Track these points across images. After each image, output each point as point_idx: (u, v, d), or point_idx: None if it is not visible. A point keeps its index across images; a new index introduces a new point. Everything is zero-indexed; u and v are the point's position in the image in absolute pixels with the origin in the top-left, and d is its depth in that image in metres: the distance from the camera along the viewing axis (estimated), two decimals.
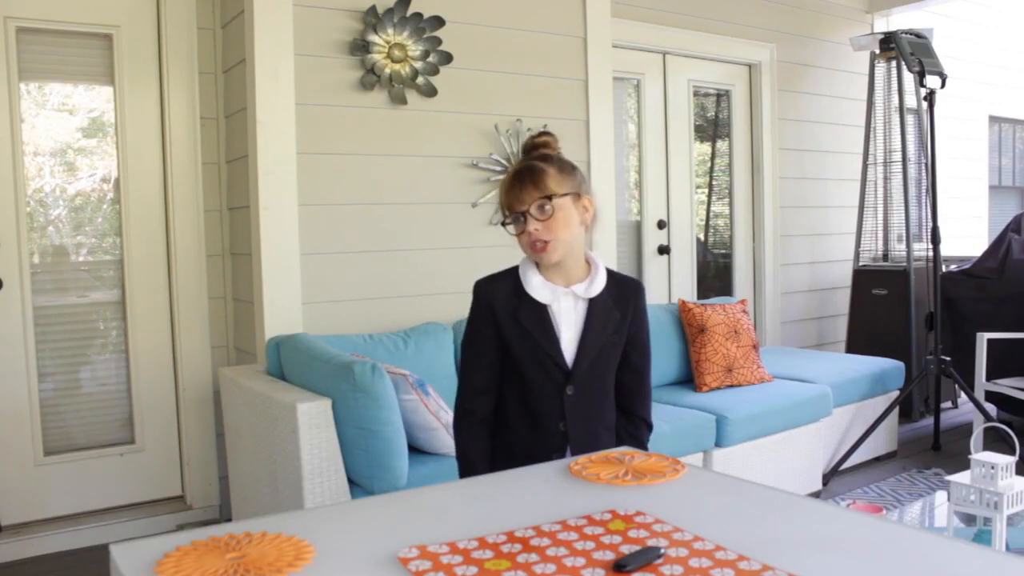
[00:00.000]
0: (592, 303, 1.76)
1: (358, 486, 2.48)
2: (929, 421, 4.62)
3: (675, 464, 1.51)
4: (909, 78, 4.80)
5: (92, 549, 3.09)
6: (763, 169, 5.02)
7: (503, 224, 1.74)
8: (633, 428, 1.88)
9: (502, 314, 1.74)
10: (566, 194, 1.69)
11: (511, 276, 1.78)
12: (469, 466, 1.78)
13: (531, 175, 1.69)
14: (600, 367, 1.78)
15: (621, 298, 1.80)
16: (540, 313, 1.73)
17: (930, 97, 4.29)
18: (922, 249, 4.84)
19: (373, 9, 3.21)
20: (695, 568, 1.04)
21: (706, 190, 5.06)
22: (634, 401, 1.88)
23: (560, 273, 1.75)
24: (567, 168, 1.73)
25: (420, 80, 3.33)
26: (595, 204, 1.76)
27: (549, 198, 1.67)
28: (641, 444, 1.86)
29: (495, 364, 1.77)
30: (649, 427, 1.91)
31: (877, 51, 4.92)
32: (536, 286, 1.73)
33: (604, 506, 1.28)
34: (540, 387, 1.75)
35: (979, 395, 4.09)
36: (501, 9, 3.57)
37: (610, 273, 1.81)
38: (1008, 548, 2.42)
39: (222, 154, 3.41)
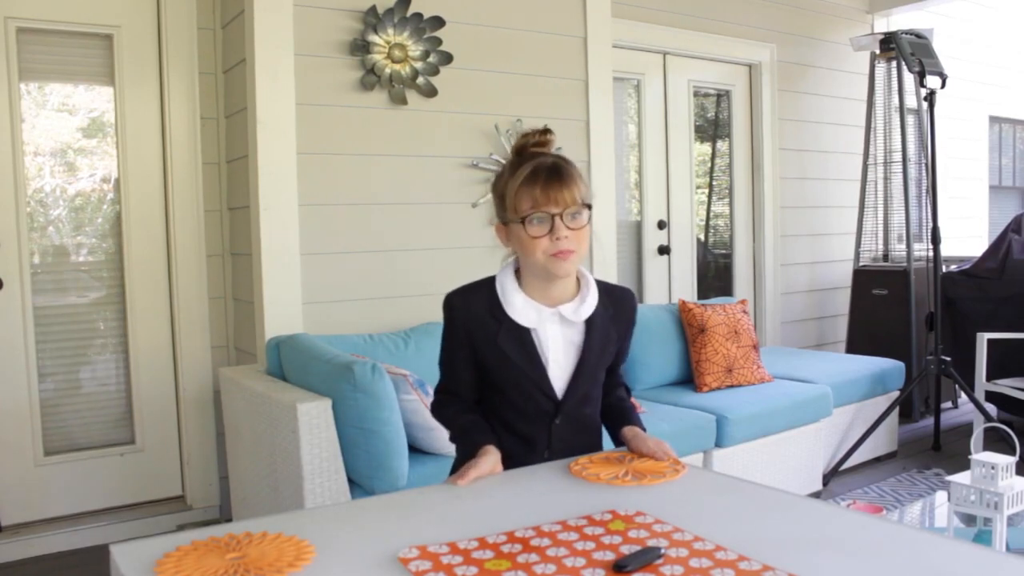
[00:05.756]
0: (589, 327, 1.57)
1: (358, 486, 2.48)
2: (929, 421, 4.62)
3: (675, 464, 1.51)
4: (909, 78, 4.80)
5: (92, 549, 3.09)
6: (763, 169, 5.02)
7: (522, 221, 1.47)
8: (619, 403, 1.73)
9: (479, 336, 1.54)
10: (590, 206, 1.51)
11: (487, 291, 1.56)
12: (467, 433, 1.58)
13: (569, 176, 1.48)
14: (591, 391, 1.63)
15: (618, 315, 1.62)
16: (523, 338, 1.53)
17: (930, 97, 4.28)
18: (922, 249, 4.84)
19: (373, 9, 3.21)
20: (695, 568, 1.04)
21: (706, 190, 5.06)
22: (614, 380, 1.74)
23: (546, 292, 1.54)
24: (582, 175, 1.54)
25: (420, 80, 3.33)
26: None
27: (588, 207, 1.49)
28: (632, 408, 1.72)
29: (475, 381, 1.61)
30: (628, 391, 1.78)
31: (877, 51, 4.92)
32: (519, 307, 1.53)
33: (604, 506, 1.28)
34: (525, 416, 1.58)
35: (979, 395, 4.09)
36: (501, 9, 3.57)
37: (599, 284, 1.61)
38: (1008, 548, 2.42)
39: (222, 154, 3.41)
